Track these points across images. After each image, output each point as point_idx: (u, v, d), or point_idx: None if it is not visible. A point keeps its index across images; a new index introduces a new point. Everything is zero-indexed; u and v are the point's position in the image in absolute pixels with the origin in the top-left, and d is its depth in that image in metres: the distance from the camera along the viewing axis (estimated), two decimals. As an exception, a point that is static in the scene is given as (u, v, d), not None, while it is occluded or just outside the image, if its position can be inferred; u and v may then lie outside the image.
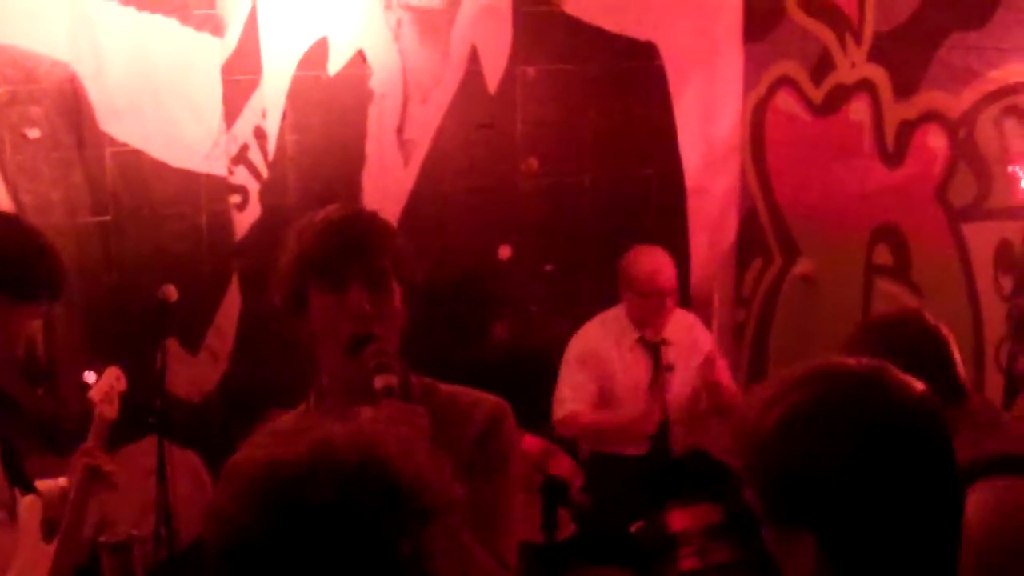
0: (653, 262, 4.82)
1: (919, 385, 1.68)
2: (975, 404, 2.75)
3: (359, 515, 1.32)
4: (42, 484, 3.28)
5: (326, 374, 2.37)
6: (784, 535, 1.63)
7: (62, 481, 3.28)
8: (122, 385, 3.46)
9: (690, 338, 4.97)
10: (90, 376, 3.53)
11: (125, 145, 4.50)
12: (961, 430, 2.61)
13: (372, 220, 2.41)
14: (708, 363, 4.87)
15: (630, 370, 4.86)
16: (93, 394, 3.39)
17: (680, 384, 4.85)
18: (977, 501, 1.80)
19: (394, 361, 2.31)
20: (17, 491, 3.18)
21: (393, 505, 1.33)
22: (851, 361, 1.71)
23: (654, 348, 4.83)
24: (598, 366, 4.84)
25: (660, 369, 4.79)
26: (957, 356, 2.76)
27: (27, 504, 3.17)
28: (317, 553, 1.31)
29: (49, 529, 3.19)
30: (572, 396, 4.84)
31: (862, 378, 1.66)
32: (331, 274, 2.28)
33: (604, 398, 4.88)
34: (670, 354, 4.83)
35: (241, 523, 1.34)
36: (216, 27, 4.59)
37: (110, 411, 3.38)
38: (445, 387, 2.48)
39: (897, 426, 1.61)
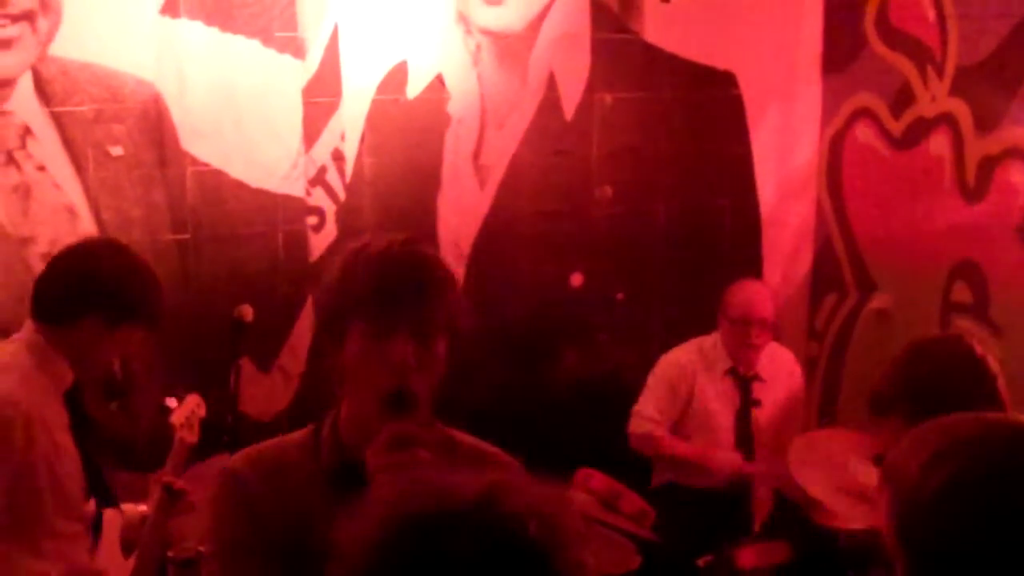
0: (749, 291, 4.85)
1: None
2: None
3: (479, 564, 1.31)
4: (124, 506, 3.34)
5: (349, 413, 2.20)
6: None
7: (142, 507, 3.33)
8: (202, 411, 3.51)
9: (783, 374, 4.94)
10: (172, 401, 3.57)
11: (206, 165, 4.56)
12: None
13: (434, 266, 2.20)
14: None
15: (717, 399, 4.84)
16: (175, 419, 3.44)
17: (766, 421, 4.82)
18: None
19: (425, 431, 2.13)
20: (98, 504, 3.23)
21: (527, 568, 1.32)
22: (1008, 432, 1.56)
23: (744, 382, 4.81)
24: (686, 390, 4.83)
25: (747, 404, 4.78)
26: (1002, 385, 2.76)
27: (108, 519, 3.21)
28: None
29: (127, 547, 3.23)
30: (654, 416, 4.83)
31: (1004, 460, 1.50)
32: (379, 318, 2.09)
33: (684, 422, 4.86)
34: (760, 390, 4.81)
35: (370, 565, 1.34)
36: (298, 50, 4.64)
37: (191, 437, 3.43)
38: (464, 438, 2.31)
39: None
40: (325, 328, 2.21)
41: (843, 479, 3.67)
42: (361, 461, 2.08)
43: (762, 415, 4.82)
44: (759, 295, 4.85)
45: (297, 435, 2.27)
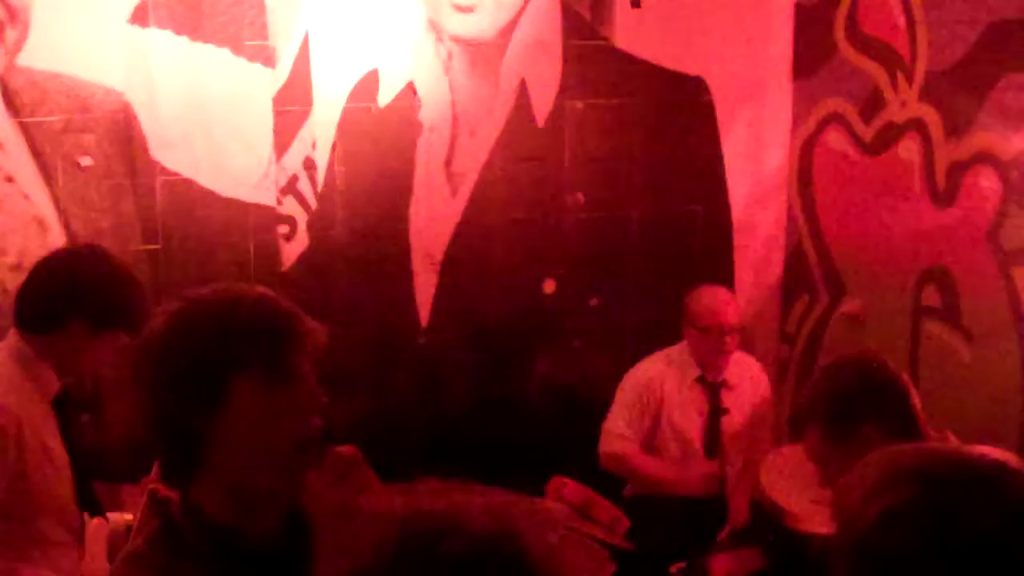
0: (714, 298, 4.83)
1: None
2: (931, 436, 2.84)
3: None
4: (110, 516, 3.32)
5: (227, 484, 1.96)
6: None
7: (128, 516, 3.32)
8: None
9: (749, 381, 4.95)
10: None
11: (176, 174, 4.55)
12: None
13: (285, 305, 2.04)
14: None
15: (686, 408, 4.84)
16: None
17: (734, 428, 4.84)
18: None
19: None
20: (85, 514, 3.22)
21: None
22: (972, 454, 1.59)
23: (713, 389, 4.82)
24: (654, 402, 4.82)
25: (717, 412, 4.79)
26: (915, 396, 2.85)
27: (94, 527, 3.20)
28: None
29: (113, 557, 3.22)
30: (625, 433, 4.80)
31: (980, 478, 1.51)
32: (277, 365, 1.94)
33: (655, 434, 4.86)
34: (728, 398, 4.82)
35: (372, 567, 1.36)
36: (268, 58, 4.63)
37: None
38: None
39: (1013, 536, 1.46)
40: (189, 395, 1.92)
41: (815, 491, 3.70)
42: (243, 535, 1.92)
43: (730, 422, 4.83)
44: (723, 300, 4.84)
45: (134, 550, 1.99)
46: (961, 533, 1.45)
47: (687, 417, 4.82)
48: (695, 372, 4.83)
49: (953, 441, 2.89)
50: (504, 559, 1.34)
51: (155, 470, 3.34)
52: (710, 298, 4.83)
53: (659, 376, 4.85)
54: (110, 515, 3.34)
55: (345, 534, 1.91)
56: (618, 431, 4.81)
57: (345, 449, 2.14)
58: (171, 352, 1.94)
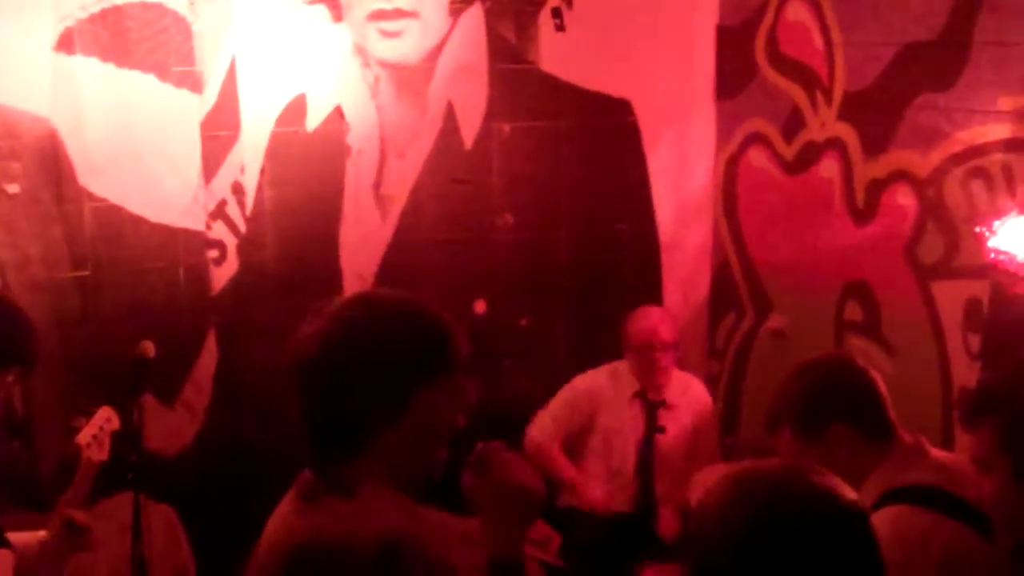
0: (649, 318, 4.96)
1: (832, 487, 1.74)
2: (904, 442, 2.86)
3: None
4: (18, 537, 3.28)
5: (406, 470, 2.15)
6: None
7: (40, 534, 3.28)
8: (115, 424, 3.47)
9: (691, 402, 5.03)
10: (81, 421, 3.54)
11: (104, 200, 4.53)
12: (884, 464, 2.77)
13: None
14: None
15: (622, 423, 4.91)
16: (81, 438, 3.40)
17: (669, 447, 4.91)
18: (873, 524, 1.86)
19: None
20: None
21: None
22: (771, 465, 1.81)
23: (651, 407, 4.89)
24: (587, 409, 4.93)
25: (652, 430, 4.86)
26: (885, 396, 2.88)
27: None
28: None
29: None
30: (548, 427, 4.96)
31: (770, 481, 1.74)
32: (456, 365, 2.16)
33: (586, 441, 4.93)
34: (666, 416, 4.89)
35: None
36: (195, 84, 4.63)
37: (99, 454, 3.39)
38: None
39: (780, 520, 1.68)
40: (376, 401, 2.07)
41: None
42: None
43: (665, 441, 4.90)
44: (657, 319, 4.96)
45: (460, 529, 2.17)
46: (741, 529, 1.68)
47: (622, 431, 4.90)
48: (634, 388, 4.91)
49: (925, 445, 2.93)
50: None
51: (73, 486, 3.33)
52: (643, 318, 4.95)
53: (598, 387, 4.95)
54: (20, 536, 3.28)
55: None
56: (543, 423, 4.98)
57: (494, 443, 2.26)
58: (357, 365, 2.06)
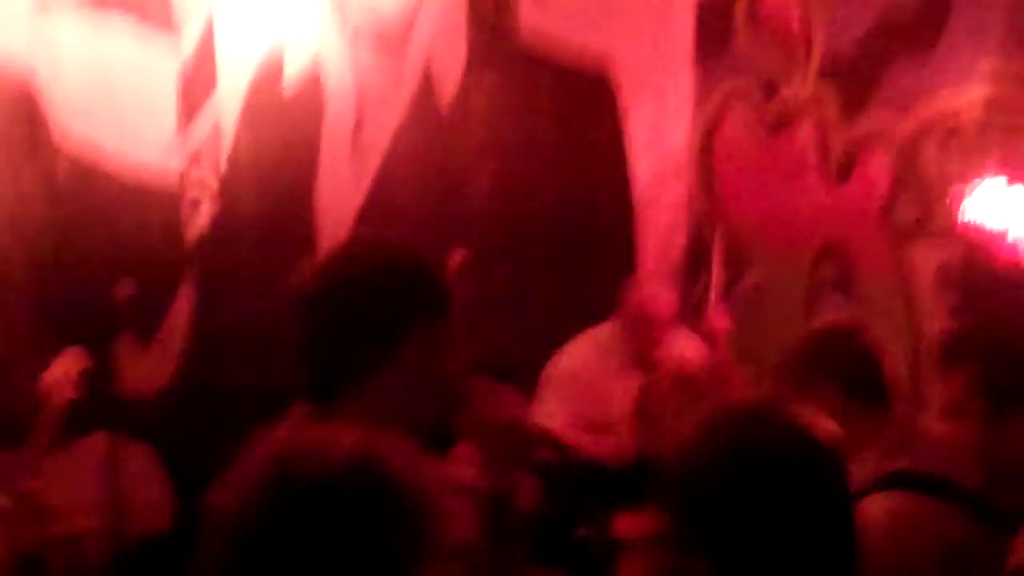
0: (649, 291, 4.84)
1: (808, 421, 1.74)
2: (899, 413, 2.87)
3: (351, 501, 1.37)
4: None
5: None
6: (682, 559, 1.71)
7: None
8: (81, 363, 3.45)
9: (678, 353, 4.97)
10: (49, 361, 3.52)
11: (80, 145, 4.51)
12: (880, 441, 2.77)
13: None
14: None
15: (616, 390, 4.83)
16: (44, 380, 3.39)
17: (658, 398, 4.86)
18: (870, 511, 1.89)
19: None
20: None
21: (385, 498, 1.38)
22: (749, 401, 1.85)
23: (645, 367, 4.79)
24: (583, 390, 4.80)
25: (648, 390, 4.77)
26: (887, 371, 2.89)
27: None
28: (300, 528, 1.35)
29: None
30: (555, 414, 4.76)
31: (749, 415, 1.75)
32: (448, 310, 2.14)
33: (589, 418, 4.86)
34: (657, 374, 4.82)
35: (241, 495, 1.40)
36: (173, 32, 4.60)
37: (67, 391, 3.36)
38: None
39: (770, 460, 1.68)
40: (373, 337, 2.07)
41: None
42: None
43: (659, 395, 4.83)
44: (658, 292, 4.84)
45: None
46: (728, 465, 1.68)
47: (619, 398, 4.82)
48: (624, 356, 4.82)
49: (918, 421, 2.94)
50: (364, 482, 1.38)
51: (41, 426, 3.30)
52: (646, 292, 4.83)
53: (584, 363, 4.82)
54: None
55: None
56: (548, 412, 4.73)
57: (483, 378, 2.24)
58: (357, 299, 2.06)
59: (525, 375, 5.08)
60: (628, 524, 4.28)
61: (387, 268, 2.10)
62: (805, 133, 5.01)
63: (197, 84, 4.71)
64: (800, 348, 2.96)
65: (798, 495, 1.68)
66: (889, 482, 2.65)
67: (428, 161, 5.22)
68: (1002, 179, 4.30)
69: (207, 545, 1.40)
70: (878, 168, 4.68)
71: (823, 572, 1.69)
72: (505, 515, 2.13)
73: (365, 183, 5.13)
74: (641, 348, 4.77)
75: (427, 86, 5.19)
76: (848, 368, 2.84)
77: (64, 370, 3.41)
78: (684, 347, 4.98)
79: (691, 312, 5.60)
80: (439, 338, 2.10)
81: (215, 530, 1.40)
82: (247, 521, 1.37)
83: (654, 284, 4.96)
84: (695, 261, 5.67)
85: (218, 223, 4.79)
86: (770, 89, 5.20)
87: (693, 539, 1.68)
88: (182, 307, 4.73)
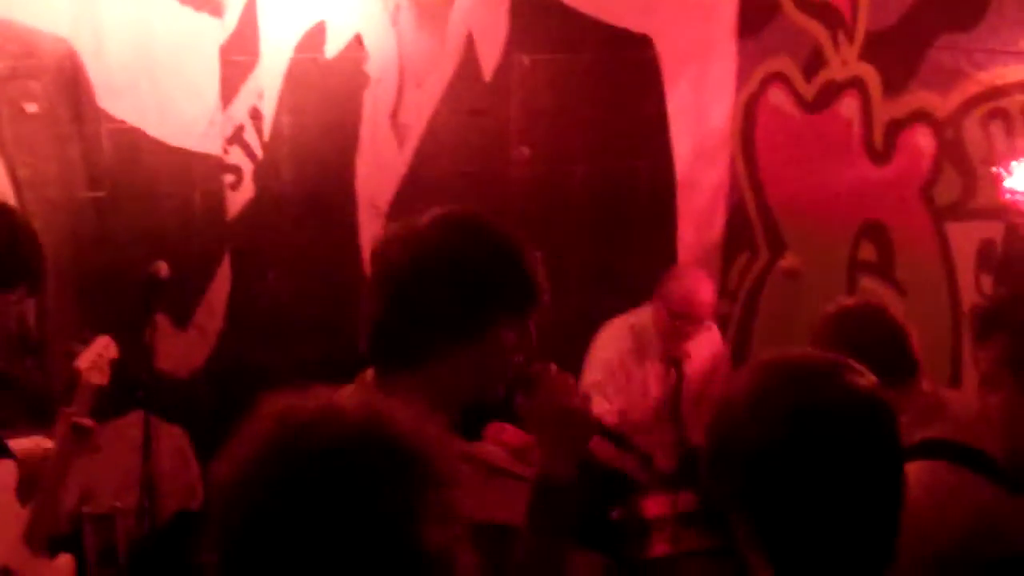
0: (691, 281, 4.82)
1: (865, 380, 1.73)
2: (924, 388, 2.89)
3: (355, 463, 1.37)
4: (19, 443, 3.31)
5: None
6: (727, 516, 1.72)
7: (45, 443, 3.32)
8: (112, 352, 3.50)
9: (707, 345, 4.97)
10: (78, 347, 3.57)
11: (122, 122, 4.56)
12: (907, 411, 2.78)
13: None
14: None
15: (648, 378, 4.85)
16: (79, 362, 3.44)
17: (690, 394, 4.86)
18: None
19: None
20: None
21: (389, 461, 1.38)
22: (805, 354, 1.81)
23: (677, 363, 4.79)
24: (621, 378, 4.84)
25: (679, 383, 4.76)
26: (913, 345, 2.92)
27: (1, 468, 3.21)
28: (309, 496, 1.35)
29: (27, 490, 3.22)
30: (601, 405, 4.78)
31: (799, 370, 1.73)
32: (527, 302, 2.22)
33: (629, 410, 4.86)
34: (687, 366, 4.82)
35: (245, 460, 1.41)
36: (215, 8, 4.63)
37: (98, 377, 3.41)
38: None
39: (819, 415, 1.67)
40: (469, 328, 2.13)
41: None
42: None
43: (688, 389, 4.84)
44: (702, 286, 4.82)
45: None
46: (769, 417, 1.67)
47: (652, 390, 4.84)
48: (660, 346, 4.82)
49: (943, 394, 2.97)
50: (374, 446, 1.38)
51: (75, 404, 3.35)
52: (687, 282, 4.81)
53: (622, 352, 4.82)
54: (18, 442, 3.30)
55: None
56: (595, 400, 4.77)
57: (547, 364, 2.26)
58: (457, 275, 2.12)
59: (560, 355, 5.11)
60: (658, 505, 4.29)
61: (494, 251, 2.17)
62: (847, 111, 4.97)
63: (239, 61, 4.73)
64: (824, 327, 2.99)
65: (859, 451, 1.68)
66: (917, 451, 2.65)
67: (469, 136, 5.22)
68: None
69: (213, 514, 1.42)
70: (920, 146, 4.63)
71: (871, 531, 1.69)
72: (560, 501, 2.13)
73: (407, 156, 5.15)
74: (673, 339, 4.77)
75: (469, 61, 5.18)
76: (873, 345, 2.86)
77: (94, 357, 3.45)
78: (705, 340, 4.97)
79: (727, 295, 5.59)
80: (514, 333, 2.16)
81: (220, 499, 1.41)
82: (252, 490, 1.38)
83: (695, 275, 4.91)
84: (735, 241, 5.65)
85: (258, 200, 4.82)
86: (813, 66, 5.16)
87: (737, 502, 1.69)
88: (219, 288, 4.77)
